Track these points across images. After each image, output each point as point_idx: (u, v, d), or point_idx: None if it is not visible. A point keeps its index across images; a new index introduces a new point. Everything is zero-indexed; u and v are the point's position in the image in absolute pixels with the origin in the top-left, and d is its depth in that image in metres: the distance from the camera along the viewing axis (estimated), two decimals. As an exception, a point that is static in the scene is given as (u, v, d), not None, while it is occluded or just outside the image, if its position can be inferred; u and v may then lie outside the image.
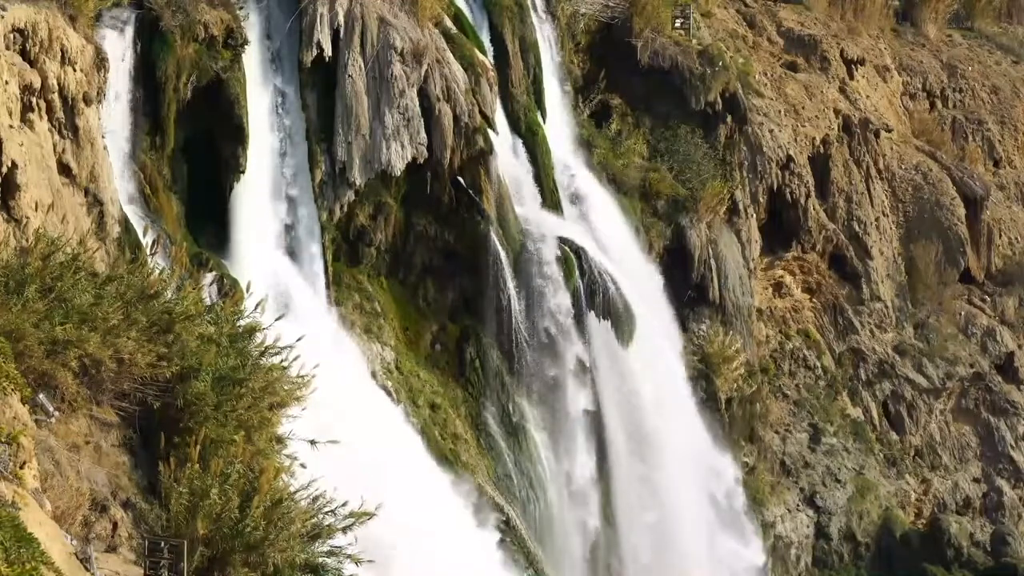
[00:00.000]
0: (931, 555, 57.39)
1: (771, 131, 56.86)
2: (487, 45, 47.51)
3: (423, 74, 42.70)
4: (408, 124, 42.17)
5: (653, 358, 47.89)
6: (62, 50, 32.93)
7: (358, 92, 41.77)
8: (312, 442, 26.19)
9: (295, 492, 23.68)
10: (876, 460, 57.89)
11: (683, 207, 52.09)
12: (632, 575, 46.90)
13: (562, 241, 45.82)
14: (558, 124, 50.54)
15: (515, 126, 47.60)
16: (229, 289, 36.38)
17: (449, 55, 44.01)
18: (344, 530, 23.61)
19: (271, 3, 41.65)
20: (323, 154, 41.49)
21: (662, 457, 47.48)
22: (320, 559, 23.33)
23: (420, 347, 44.27)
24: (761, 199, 56.49)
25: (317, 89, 41.64)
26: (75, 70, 33.34)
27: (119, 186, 35.88)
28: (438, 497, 39.39)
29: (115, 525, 21.61)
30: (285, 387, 25.41)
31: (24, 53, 32.15)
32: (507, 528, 42.10)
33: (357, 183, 41.88)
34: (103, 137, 35.04)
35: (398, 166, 42.16)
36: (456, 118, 43.11)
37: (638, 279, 48.79)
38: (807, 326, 58.96)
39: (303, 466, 25.46)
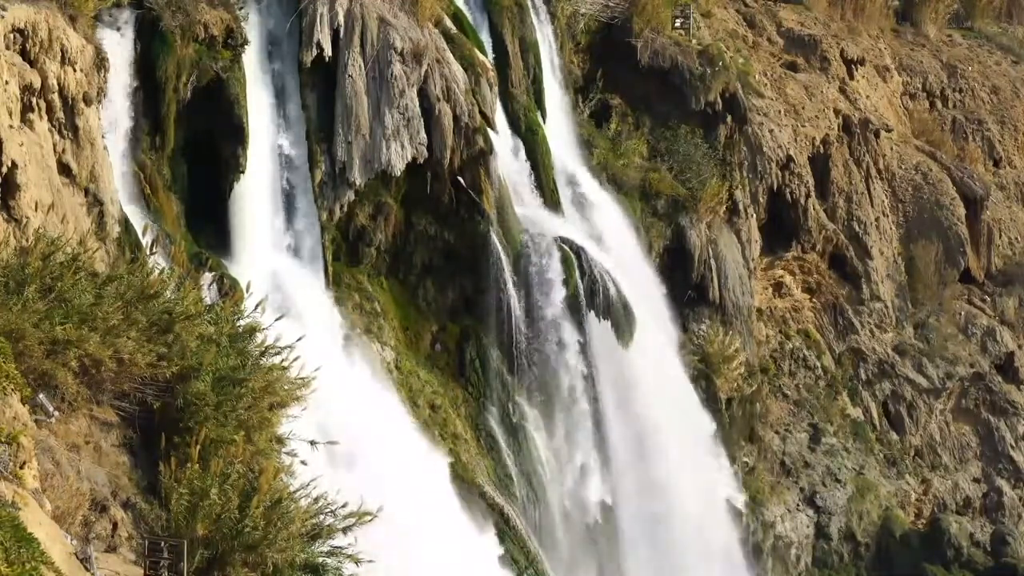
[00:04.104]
0: (931, 555, 57.39)
1: (771, 131, 56.85)
2: (487, 45, 47.51)
3: (423, 74, 42.70)
4: (408, 124, 42.17)
5: (653, 358, 47.88)
6: (62, 50, 32.93)
7: (358, 92, 41.77)
8: (312, 443, 26.21)
9: (295, 492, 23.69)
10: (876, 460, 57.89)
11: (683, 207, 52.09)
12: (632, 574, 46.90)
13: (562, 241, 45.82)
14: (558, 124, 50.54)
15: (515, 126, 47.60)
16: (229, 289, 36.37)
17: (449, 55, 44.01)
18: (344, 530, 23.63)
19: (271, 3, 41.65)
20: (323, 154, 41.49)
21: (662, 456, 47.47)
22: (320, 559, 23.35)
23: (420, 347, 44.28)
24: (761, 199, 56.49)
25: (317, 89, 41.63)
26: (75, 70, 33.35)
27: (119, 186, 35.87)
28: (438, 497, 39.40)
29: (115, 525, 21.62)
30: (285, 387, 25.42)
31: (24, 53, 32.15)
32: (507, 528, 42.10)
33: (357, 183, 41.88)
34: (103, 137, 35.05)
35: (398, 166, 42.15)
36: (456, 118, 43.11)
37: (638, 279, 48.78)
38: (807, 326, 58.96)
39: (304, 463, 25.48)
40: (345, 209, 42.18)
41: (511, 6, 48.58)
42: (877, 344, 59.76)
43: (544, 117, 48.99)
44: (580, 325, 45.36)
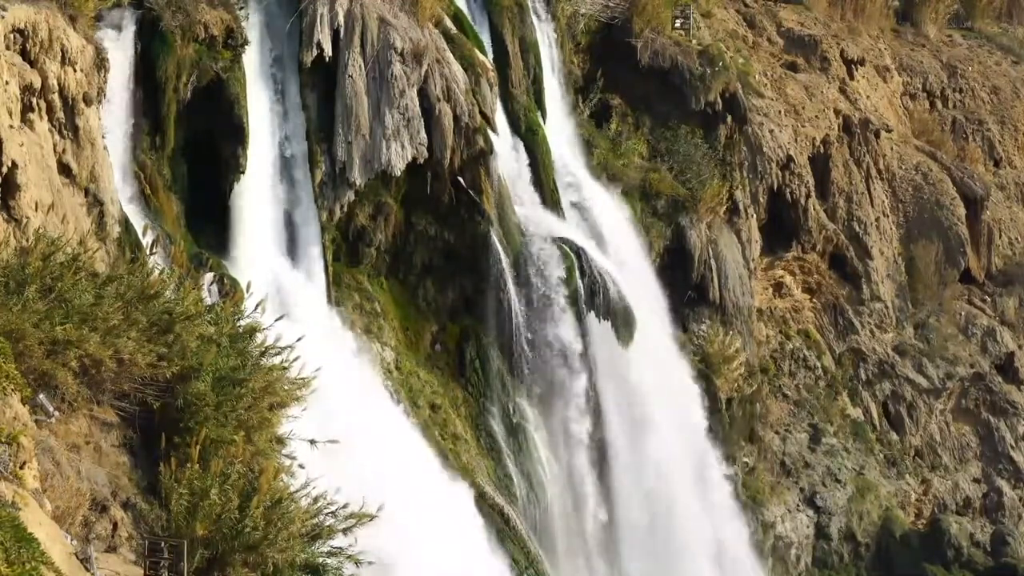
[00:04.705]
0: (931, 555, 57.39)
1: (771, 131, 56.85)
2: (487, 45, 47.50)
3: (423, 74, 42.69)
4: (408, 124, 42.16)
5: (653, 358, 47.88)
6: (62, 50, 32.92)
7: (358, 92, 41.77)
8: (312, 442, 26.22)
9: (295, 492, 23.69)
10: (876, 460, 57.88)
11: (683, 207, 52.07)
12: (632, 574, 46.90)
13: (562, 241, 45.82)
14: (558, 124, 50.52)
15: (515, 126, 47.59)
16: (229, 289, 36.37)
17: (449, 55, 44.01)
18: (344, 531, 23.62)
19: (271, 3, 41.64)
20: (323, 154, 41.48)
21: (662, 456, 47.47)
22: (320, 559, 23.34)
23: (420, 347, 44.27)
24: (761, 199, 56.49)
25: (317, 89, 41.63)
26: (75, 70, 33.34)
27: (119, 186, 35.87)
28: (438, 497, 39.40)
29: (115, 525, 21.61)
30: (285, 387, 25.41)
31: (24, 53, 32.13)
32: (507, 528, 42.10)
33: (357, 183, 41.87)
34: (103, 137, 35.04)
35: (398, 166, 42.15)
36: (456, 118, 43.11)
37: (638, 279, 48.78)
38: (807, 326, 58.96)
39: (301, 466, 25.49)
40: (345, 209, 42.18)
41: (511, 6, 48.57)
42: (877, 344, 59.76)
43: (544, 117, 48.98)
44: (580, 325, 45.35)
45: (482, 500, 41.86)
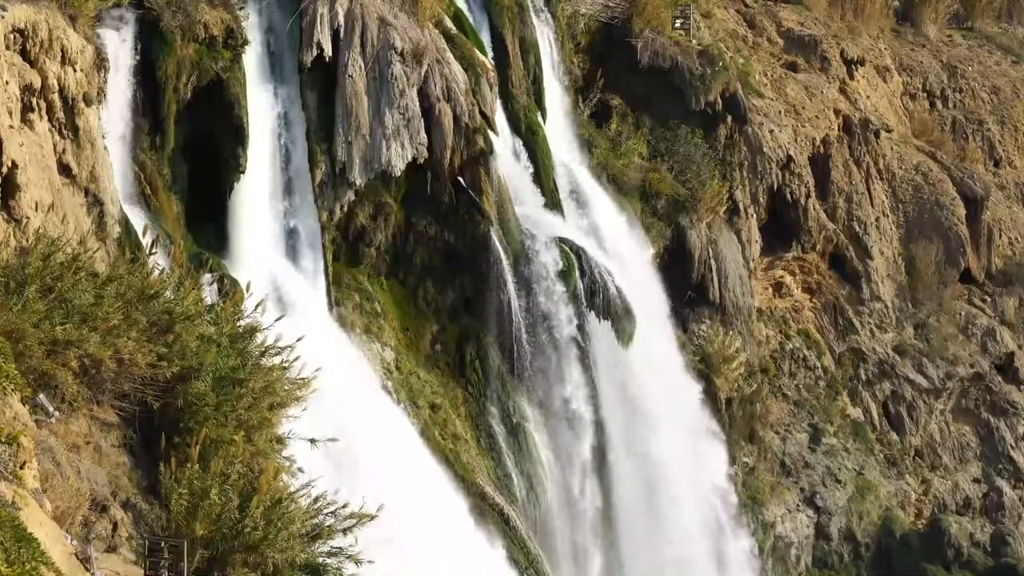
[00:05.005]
0: (931, 555, 57.37)
1: (771, 131, 56.83)
2: (487, 45, 47.51)
3: (423, 74, 42.70)
4: (408, 124, 42.17)
5: (653, 358, 47.88)
6: (62, 50, 32.93)
7: (358, 92, 41.77)
8: (312, 441, 26.24)
9: (295, 492, 23.70)
10: (876, 460, 57.87)
11: (683, 207, 52.09)
12: (631, 574, 46.91)
13: (562, 241, 45.83)
14: (558, 124, 50.55)
15: (515, 126, 47.60)
16: (229, 289, 36.36)
17: (449, 55, 44.01)
18: (344, 531, 23.63)
19: (271, 3, 41.65)
20: (323, 154, 41.49)
21: (662, 456, 47.49)
22: (320, 559, 23.35)
23: (420, 347, 44.27)
24: (761, 199, 56.46)
25: (317, 89, 41.63)
26: (75, 70, 33.34)
27: (119, 186, 35.87)
28: (438, 497, 39.40)
29: (115, 525, 21.62)
30: (285, 387, 25.43)
31: (24, 53, 32.15)
32: (507, 528, 42.10)
33: (357, 183, 41.89)
34: (103, 137, 35.04)
35: (398, 166, 42.16)
36: (456, 118, 43.11)
37: (638, 279, 48.79)
38: (807, 326, 58.94)
39: (301, 470, 25.52)
40: (345, 209, 42.19)
41: (511, 6, 48.58)
42: (877, 344, 59.74)
43: (544, 117, 49.00)
44: (580, 325, 45.36)
45: (482, 500, 41.89)
